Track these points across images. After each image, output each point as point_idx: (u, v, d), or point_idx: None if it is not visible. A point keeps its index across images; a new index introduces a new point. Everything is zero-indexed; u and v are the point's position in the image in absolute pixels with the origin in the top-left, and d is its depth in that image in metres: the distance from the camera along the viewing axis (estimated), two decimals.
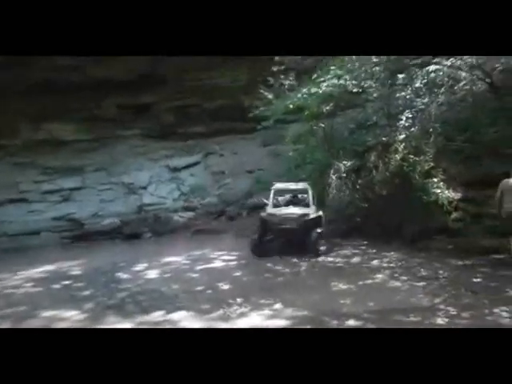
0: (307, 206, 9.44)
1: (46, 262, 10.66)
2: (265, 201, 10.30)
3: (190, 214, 15.69)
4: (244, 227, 12.91)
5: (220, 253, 9.55)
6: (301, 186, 10.13)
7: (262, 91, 11.64)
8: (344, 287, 6.30)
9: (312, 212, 9.11)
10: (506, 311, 4.74)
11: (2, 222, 15.44)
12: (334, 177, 10.35)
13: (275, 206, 9.73)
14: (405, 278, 6.54)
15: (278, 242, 9.47)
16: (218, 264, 8.81)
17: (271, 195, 9.92)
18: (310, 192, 9.61)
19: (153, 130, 17.36)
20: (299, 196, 10.00)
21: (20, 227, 15.40)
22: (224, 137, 17.32)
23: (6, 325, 5.73)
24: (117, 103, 16.13)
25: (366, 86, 10.00)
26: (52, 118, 15.65)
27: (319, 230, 8.79)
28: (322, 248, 8.69)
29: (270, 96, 11.55)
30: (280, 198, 10.16)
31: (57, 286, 8.08)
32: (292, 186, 10.30)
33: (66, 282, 8.34)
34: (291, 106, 10.71)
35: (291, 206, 9.60)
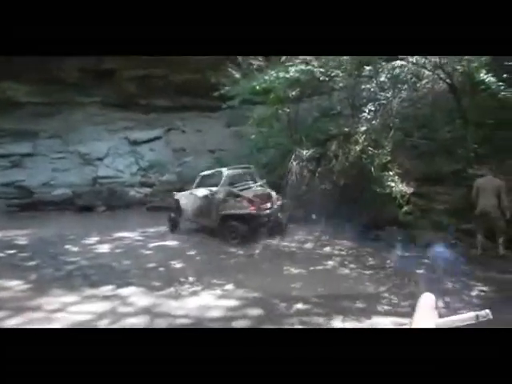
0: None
1: None
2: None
3: (147, 190, 15.35)
4: None
5: None
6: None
7: (229, 69, 11.44)
8: (295, 271, 6.44)
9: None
10: (443, 301, 5.03)
11: None
12: (294, 163, 10.43)
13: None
14: (354, 265, 6.76)
15: None
16: (171, 242, 8.72)
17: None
18: (198, 178, 9.59)
19: (114, 99, 16.63)
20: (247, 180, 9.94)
21: None
22: (188, 113, 16.95)
23: None
24: (78, 66, 15.23)
25: (333, 74, 10.07)
26: (5, 76, 14.62)
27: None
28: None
29: (238, 75, 11.38)
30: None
31: (0, 255, 7.75)
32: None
33: (11, 252, 8.01)
34: (258, 88, 10.60)
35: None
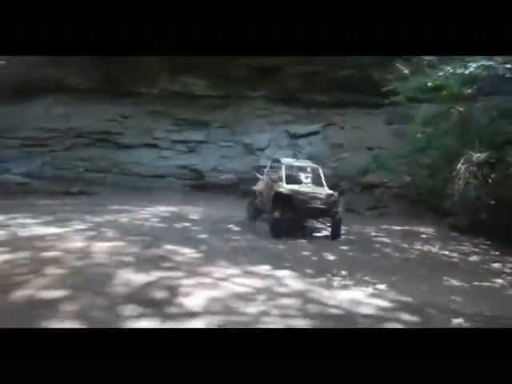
0: (322, 185, 9.42)
1: (169, 203, 11.91)
2: (259, 176, 10.74)
3: None
4: (354, 203, 12.90)
5: (328, 224, 9.62)
6: (311, 164, 10.35)
7: (397, 65, 10.98)
8: (457, 284, 5.94)
9: (330, 192, 9.02)
10: None
11: (136, 164, 17.41)
12: (463, 167, 9.49)
13: (288, 182, 9.19)
14: None
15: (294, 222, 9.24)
16: (324, 234, 8.91)
17: (283, 170, 9.52)
18: (322, 172, 9.69)
19: (277, 94, 17.49)
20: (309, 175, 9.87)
21: (150, 170, 17.20)
22: (347, 109, 16.78)
23: (135, 249, 6.60)
24: (246, 63, 16.43)
25: None
26: (187, 71, 16.55)
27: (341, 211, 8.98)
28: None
29: (406, 71, 10.84)
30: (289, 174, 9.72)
31: (177, 226, 9.04)
32: (302, 163, 10.53)
33: (186, 224, 9.26)
34: (429, 84, 9.92)
35: (307, 185, 9.45)
